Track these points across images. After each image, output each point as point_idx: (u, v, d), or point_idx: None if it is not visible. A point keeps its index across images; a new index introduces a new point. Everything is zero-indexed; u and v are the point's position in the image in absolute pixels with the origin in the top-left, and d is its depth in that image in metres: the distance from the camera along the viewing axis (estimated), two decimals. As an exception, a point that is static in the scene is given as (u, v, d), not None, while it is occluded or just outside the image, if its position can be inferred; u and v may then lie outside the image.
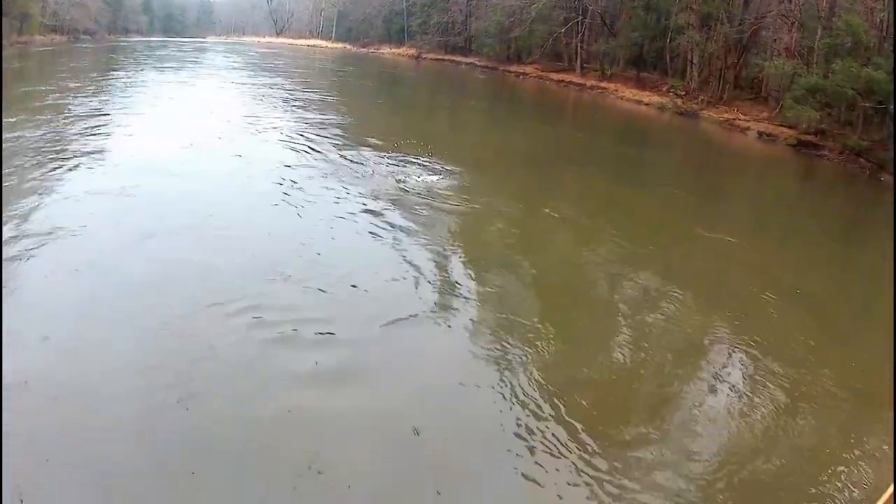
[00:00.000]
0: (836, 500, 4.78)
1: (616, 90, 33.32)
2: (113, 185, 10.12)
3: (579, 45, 39.06)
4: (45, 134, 13.86)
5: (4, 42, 51.03)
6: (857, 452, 5.32)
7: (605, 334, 6.87)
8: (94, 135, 14.34)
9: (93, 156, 12.15)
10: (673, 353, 6.55)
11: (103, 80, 28.22)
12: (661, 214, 12.15)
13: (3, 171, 10.54)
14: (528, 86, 39.01)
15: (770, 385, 6.11)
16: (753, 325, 7.22)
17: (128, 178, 10.62)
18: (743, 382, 6.18)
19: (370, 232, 9.03)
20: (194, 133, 15.21)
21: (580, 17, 39.26)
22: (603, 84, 34.91)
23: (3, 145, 11.92)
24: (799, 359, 6.72)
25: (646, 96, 31.14)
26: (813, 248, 11.42)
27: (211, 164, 12.48)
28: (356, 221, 9.43)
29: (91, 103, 19.52)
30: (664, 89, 31.36)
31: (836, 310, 8.44)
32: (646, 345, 6.63)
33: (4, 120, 14.61)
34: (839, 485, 4.95)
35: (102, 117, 16.67)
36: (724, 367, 6.46)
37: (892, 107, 19.35)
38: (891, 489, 4.11)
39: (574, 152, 18.37)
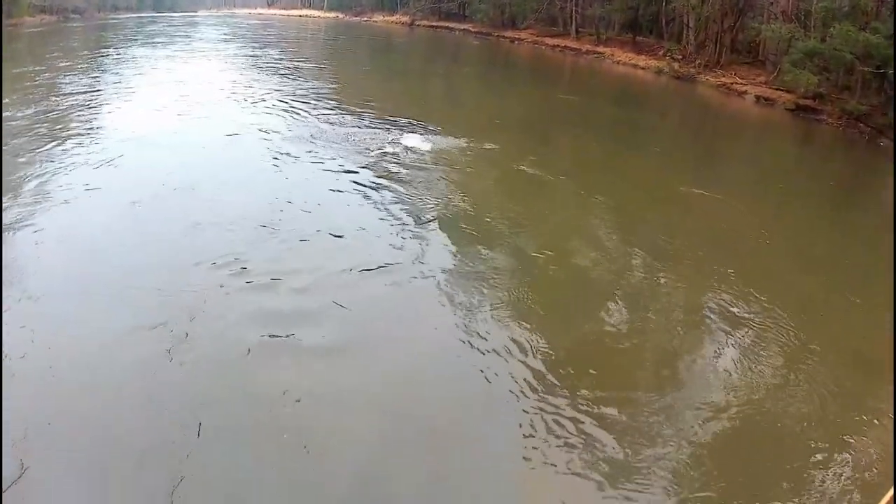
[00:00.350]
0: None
1: (612, 55, 32.95)
2: (102, 158, 10.27)
3: (574, 9, 38.51)
4: (36, 113, 13.83)
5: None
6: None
7: (597, 290, 6.98)
8: (86, 110, 14.38)
9: (86, 131, 12.21)
10: (668, 312, 6.59)
11: (94, 57, 27.89)
12: (656, 177, 12.16)
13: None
14: (523, 51, 38.58)
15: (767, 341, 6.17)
16: (750, 284, 7.25)
17: (117, 150, 10.79)
18: (738, 340, 6.23)
19: (353, 190, 9.38)
20: (184, 105, 15.30)
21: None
22: (599, 48, 34.49)
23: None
24: (796, 319, 6.69)
25: (642, 60, 30.82)
26: (811, 211, 11.44)
27: (201, 135, 12.59)
28: (341, 183, 9.69)
29: (81, 81, 19.44)
30: (660, 53, 30.99)
31: (834, 272, 8.41)
32: (642, 303, 6.68)
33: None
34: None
35: (93, 94, 16.68)
36: (720, 325, 6.46)
37: (893, 73, 19.21)
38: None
39: (570, 116, 18.27)
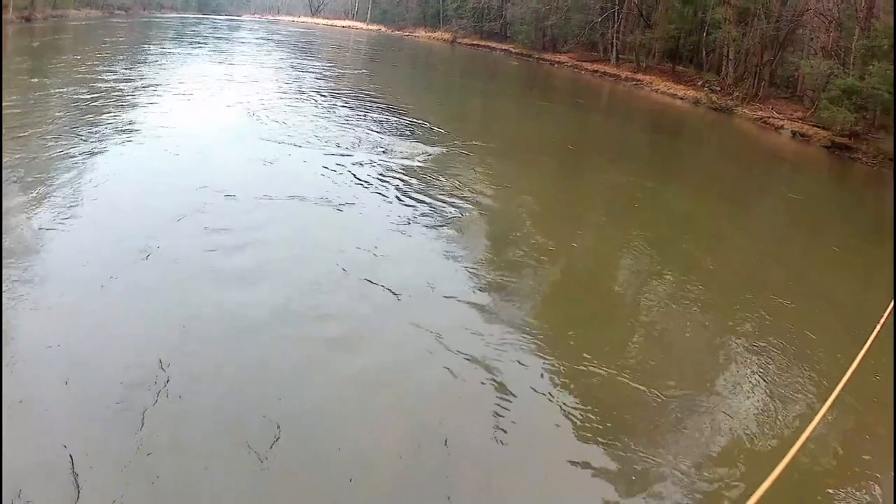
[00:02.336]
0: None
1: (651, 82, 33.35)
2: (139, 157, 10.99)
3: (615, 35, 39.02)
4: (72, 108, 14.46)
5: (38, 14, 52.31)
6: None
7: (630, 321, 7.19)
8: (127, 107, 15.21)
9: (126, 128, 12.86)
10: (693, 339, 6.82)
11: (138, 54, 29.31)
12: (688, 209, 12.40)
13: (44, 134, 11.73)
14: (562, 75, 39.09)
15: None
16: (778, 324, 7.28)
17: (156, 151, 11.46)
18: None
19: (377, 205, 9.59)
20: (224, 106, 16.22)
21: (617, 7, 39.23)
22: (638, 76, 34.91)
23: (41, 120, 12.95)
24: (813, 350, 6.79)
25: (680, 90, 31.16)
26: (842, 253, 11.50)
27: (239, 135, 13.27)
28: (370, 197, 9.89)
29: (124, 75, 20.66)
30: (699, 84, 31.37)
31: (860, 312, 8.21)
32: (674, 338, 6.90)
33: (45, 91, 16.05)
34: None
35: (135, 92, 17.55)
36: (741, 368, 6.41)
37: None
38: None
39: (604, 142, 18.68)
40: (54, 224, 7.56)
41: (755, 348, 6.68)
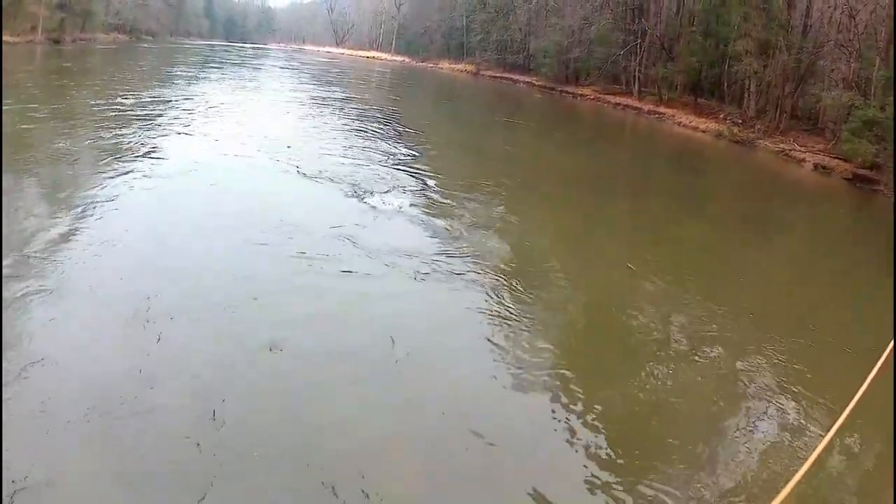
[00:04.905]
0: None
1: (673, 115, 33.87)
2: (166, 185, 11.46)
3: (637, 68, 39.68)
4: (103, 134, 15.27)
5: (67, 38, 53.76)
6: None
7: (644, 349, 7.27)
8: (153, 131, 16.14)
9: (150, 153, 13.61)
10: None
11: (166, 79, 30.83)
12: (708, 243, 12.60)
13: (78, 149, 12.74)
14: (585, 107, 39.76)
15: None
16: (799, 366, 7.29)
17: (177, 175, 12.07)
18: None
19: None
20: (252, 133, 17.05)
21: (639, 41, 39.94)
22: (660, 109, 35.48)
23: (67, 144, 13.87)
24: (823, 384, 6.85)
25: (702, 123, 31.63)
26: (865, 287, 11.50)
27: (268, 168, 13.74)
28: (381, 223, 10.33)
29: (151, 100, 21.85)
30: (721, 116, 31.83)
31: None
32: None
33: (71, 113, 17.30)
34: None
35: (161, 117, 18.57)
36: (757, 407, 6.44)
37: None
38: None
39: (626, 176, 19.06)
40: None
41: (767, 386, 6.74)
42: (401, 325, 6.96)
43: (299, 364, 5.98)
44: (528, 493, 4.72)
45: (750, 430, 5.92)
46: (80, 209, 9.40)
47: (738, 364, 7.19)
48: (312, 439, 4.99)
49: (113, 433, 4.73)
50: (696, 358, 7.23)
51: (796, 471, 4.67)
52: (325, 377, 5.88)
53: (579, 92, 43.75)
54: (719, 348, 7.47)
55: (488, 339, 6.86)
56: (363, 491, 4.47)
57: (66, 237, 8.20)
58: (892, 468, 5.31)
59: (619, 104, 38.76)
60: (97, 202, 9.77)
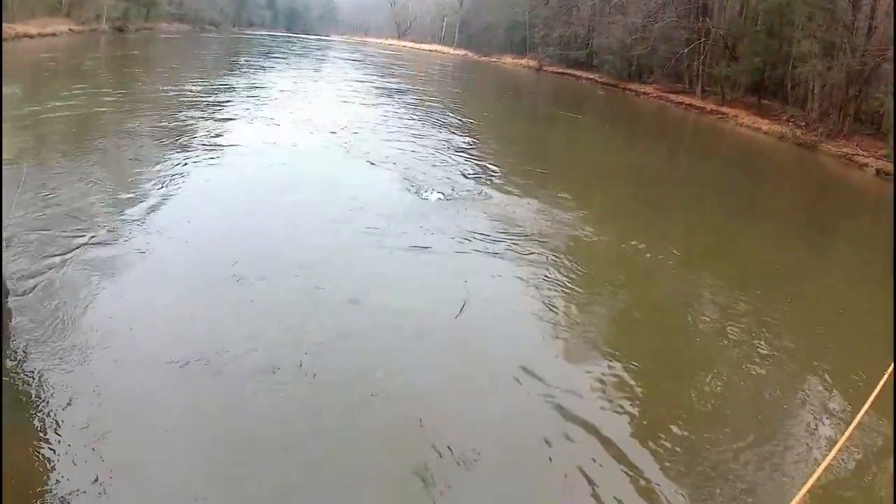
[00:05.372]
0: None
1: (735, 116, 34.11)
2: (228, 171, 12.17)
3: (701, 67, 39.95)
4: (174, 117, 16.41)
5: (131, 27, 56.29)
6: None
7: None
8: (222, 116, 17.22)
9: (220, 136, 14.65)
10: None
11: (232, 68, 32.88)
12: (767, 249, 12.35)
13: (143, 142, 13.42)
14: (648, 105, 40.19)
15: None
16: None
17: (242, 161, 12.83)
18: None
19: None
20: (319, 120, 17.96)
21: (702, 39, 40.10)
22: (723, 109, 35.74)
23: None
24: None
25: (765, 124, 31.85)
26: None
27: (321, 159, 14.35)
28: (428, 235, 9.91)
29: (218, 87, 23.39)
30: (784, 118, 32.01)
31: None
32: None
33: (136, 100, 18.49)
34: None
35: (229, 103, 19.70)
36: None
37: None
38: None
39: (687, 177, 19.32)
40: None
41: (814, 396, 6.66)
42: (462, 294, 7.56)
43: (372, 316, 6.89)
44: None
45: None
46: (158, 184, 10.31)
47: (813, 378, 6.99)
48: (376, 371, 5.86)
49: (219, 372, 5.54)
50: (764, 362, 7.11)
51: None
52: (395, 327, 6.74)
53: (642, 90, 44.23)
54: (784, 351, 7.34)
55: (544, 318, 7.33)
56: (421, 421, 5.23)
57: (153, 208, 9.05)
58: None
59: (681, 103, 39.12)
60: (173, 178, 10.73)
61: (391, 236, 9.23)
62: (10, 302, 5.80)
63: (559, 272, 8.68)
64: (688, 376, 6.56)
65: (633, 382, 6.12)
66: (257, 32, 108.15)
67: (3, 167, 8.46)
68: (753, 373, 6.88)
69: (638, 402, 5.85)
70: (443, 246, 9.13)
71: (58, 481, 4.20)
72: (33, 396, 4.88)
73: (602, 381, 6.10)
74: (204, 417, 5.02)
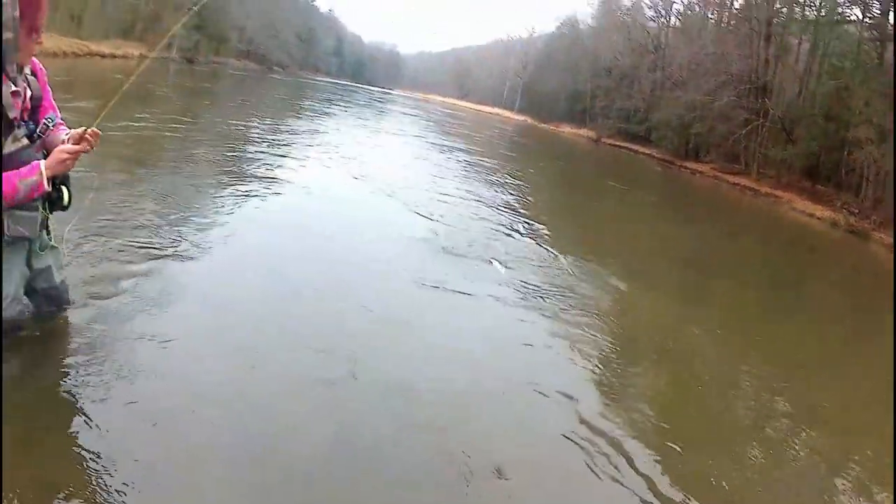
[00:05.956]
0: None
1: (789, 200, 34.64)
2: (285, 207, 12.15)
3: (757, 148, 40.75)
4: (237, 149, 17.00)
5: (201, 59, 59.89)
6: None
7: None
8: (283, 153, 17.53)
9: (279, 170, 14.91)
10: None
11: (297, 111, 34.03)
12: (815, 341, 11.67)
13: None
14: (703, 185, 40.70)
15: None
16: None
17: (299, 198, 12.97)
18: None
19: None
20: (373, 169, 18.02)
21: (760, 120, 41.05)
22: (777, 192, 36.31)
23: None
24: None
25: (818, 210, 32.34)
26: None
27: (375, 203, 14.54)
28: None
29: (282, 127, 24.33)
30: (837, 205, 32.48)
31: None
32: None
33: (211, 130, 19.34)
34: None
35: (291, 143, 20.22)
36: None
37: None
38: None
39: (736, 262, 18.74)
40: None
41: None
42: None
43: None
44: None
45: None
46: (212, 209, 10.60)
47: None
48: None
49: (285, 325, 6.50)
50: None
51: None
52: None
53: (698, 168, 45.14)
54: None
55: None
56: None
57: (210, 224, 9.41)
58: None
59: (736, 184, 39.82)
60: (228, 205, 11.02)
61: (425, 277, 9.24)
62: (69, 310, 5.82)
63: (603, 335, 8.65)
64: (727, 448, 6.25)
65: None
66: (322, 79, 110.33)
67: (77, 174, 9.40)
68: (794, 461, 6.46)
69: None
70: (479, 291, 9.08)
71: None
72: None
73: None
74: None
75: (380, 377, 6.08)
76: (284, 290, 7.72)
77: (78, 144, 4.22)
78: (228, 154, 16.11)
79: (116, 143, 14.19)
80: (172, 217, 9.48)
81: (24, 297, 4.97)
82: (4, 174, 4.03)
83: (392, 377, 6.17)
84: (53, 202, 4.59)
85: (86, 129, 4.22)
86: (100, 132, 4.29)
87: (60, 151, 4.19)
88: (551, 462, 5.52)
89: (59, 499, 3.69)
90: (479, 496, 4.83)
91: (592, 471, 5.36)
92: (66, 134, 4.38)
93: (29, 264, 4.80)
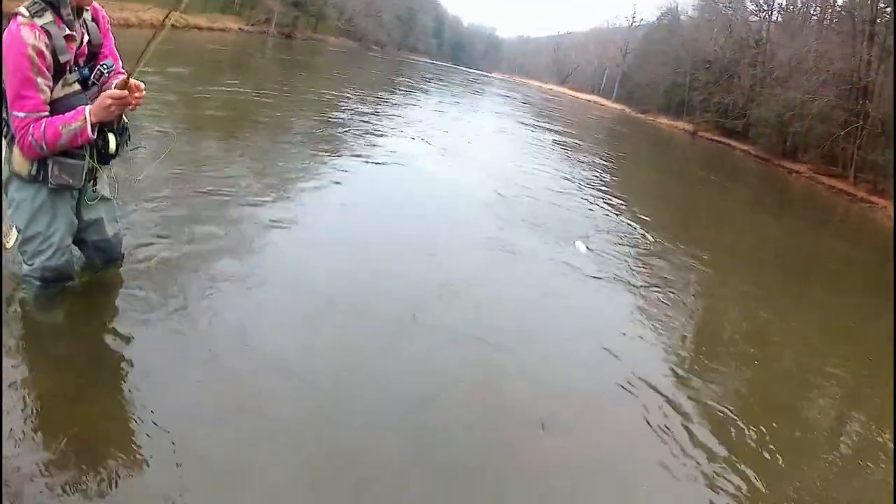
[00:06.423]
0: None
1: (885, 207, 34.04)
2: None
3: (856, 151, 40.25)
4: (331, 118, 17.50)
5: (298, 35, 61.07)
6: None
7: None
8: (370, 127, 17.56)
9: (372, 138, 15.69)
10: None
11: (393, 87, 34.71)
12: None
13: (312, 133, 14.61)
14: (798, 186, 40.32)
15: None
16: None
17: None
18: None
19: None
20: (465, 148, 18.55)
21: (860, 123, 40.42)
22: (873, 198, 35.81)
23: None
24: None
25: (915, 217, 31.83)
26: None
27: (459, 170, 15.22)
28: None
29: (377, 100, 24.65)
30: (935, 213, 31.95)
31: None
32: None
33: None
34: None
35: (385, 116, 20.54)
36: None
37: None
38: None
39: (824, 267, 17.91)
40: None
41: None
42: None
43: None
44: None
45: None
46: (302, 164, 11.31)
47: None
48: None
49: (358, 275, 7.03)
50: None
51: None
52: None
53: (795, 168, 44.78)
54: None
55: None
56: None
57: (309, 190, 9.89)
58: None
59: (832, 187, 39.41)
60: (316, 164, 11.73)
61: (507, 242, 9.62)
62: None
63: (678, 313, 8.76)
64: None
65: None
66: (420, 59, 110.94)
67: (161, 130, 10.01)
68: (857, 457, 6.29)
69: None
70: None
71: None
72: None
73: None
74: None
75: (436, 322, 6.36)
76: (360, 247, 8.05)
77: (123, 90, 4.06)
78: (317, 121, 16.57)
79: (208, 104, 14.96)
80: (254, 174, 9.77)
81: (74, 247, 4.88)
82: (48, 119, 4.01)
83: (447, 324, 6.41)
84: (101, 152, 4.45)
85: (129, 75, 4.08)
86: (142, 85, 4.18)
87: (105, 97, 4.07)
88: (609, 417, 5.67)
89: (106, 454, 3.59)
90: (527, 443, 4.90)
91: (649, 427, 5.53)
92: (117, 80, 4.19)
93: (79, 215, 4.73)
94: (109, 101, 4.02)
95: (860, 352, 9.61)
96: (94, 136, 4.20)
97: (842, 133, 41.52)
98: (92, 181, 4.61)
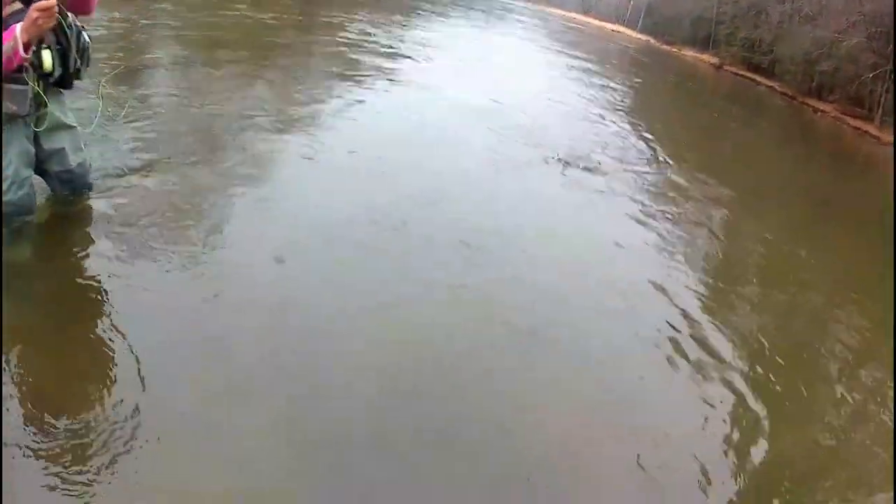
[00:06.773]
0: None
1: (911, 151, 33.90)
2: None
3: (883, 94, 39.91)
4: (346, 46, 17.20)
5: None
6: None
7: None
8: (392, 52, 17.72)
9: (393, 64, 15.77)
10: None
11: (408, 12, 33.75)
12: None
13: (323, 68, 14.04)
14: (823, 125, 40.38)
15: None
16: None
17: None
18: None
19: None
20: (486, 75, 18.59)
21: (890, 66, 40.05)
22: (898, 142, 35.69)
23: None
24: None
25: (938, 165, 31.83)
26: None
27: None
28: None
29: (391, 24, 24.26)
30: (958, 159, 31.95)
31: None
32: None
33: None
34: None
35: (401, 43, 20.06)
36: None
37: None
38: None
39: (844, 210, 17.59)
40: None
41: None
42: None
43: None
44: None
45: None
46: (314, 89, 11.34)
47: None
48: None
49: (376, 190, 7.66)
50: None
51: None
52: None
53: (819, 107, 44.70)
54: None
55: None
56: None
57: (328, 114, 10.21)
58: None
59: (857, 129, 39.50)
60: (328, 87, 11.78)
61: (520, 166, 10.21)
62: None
63: (697, 244, 9.00)
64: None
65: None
66: None
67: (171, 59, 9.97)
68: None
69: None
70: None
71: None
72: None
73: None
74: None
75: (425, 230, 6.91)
76: (368, 166, 8.35)
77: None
78: (330, 47, 16.37)
79: (215, 28, 14.76)
80: (257, 97, 9.81)
81: (36, 178, 4.62)
82: None
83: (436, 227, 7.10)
84: (46, 75, 4.15)
85: None
86: None
87: (32, 9, 3.68)
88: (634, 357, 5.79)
89: (83, 387, 3.52)
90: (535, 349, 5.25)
91: (672, 366, 5.65)
92: None
93: (39, 145, 4.45)
94: (36, 14, 3.69)
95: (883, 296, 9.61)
96: (29, 56, 3.90)
97: (870, 75, 41.23)
98: (39, 106, 4.27)
